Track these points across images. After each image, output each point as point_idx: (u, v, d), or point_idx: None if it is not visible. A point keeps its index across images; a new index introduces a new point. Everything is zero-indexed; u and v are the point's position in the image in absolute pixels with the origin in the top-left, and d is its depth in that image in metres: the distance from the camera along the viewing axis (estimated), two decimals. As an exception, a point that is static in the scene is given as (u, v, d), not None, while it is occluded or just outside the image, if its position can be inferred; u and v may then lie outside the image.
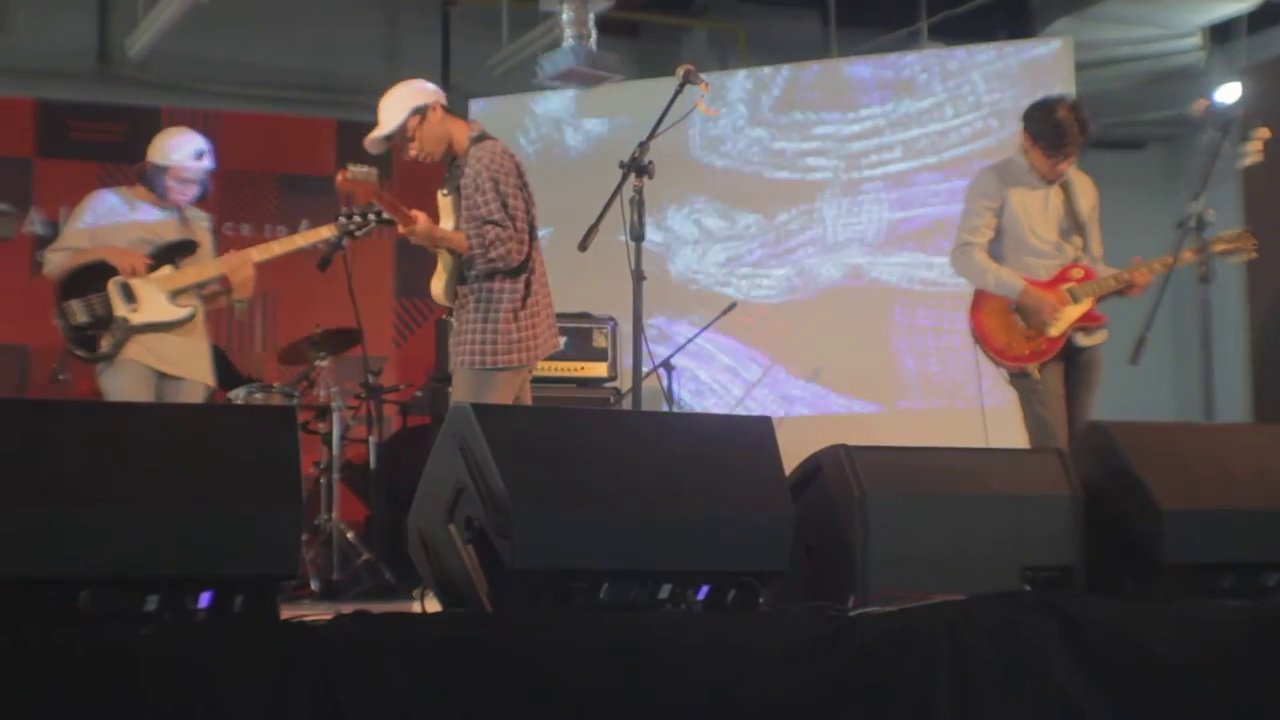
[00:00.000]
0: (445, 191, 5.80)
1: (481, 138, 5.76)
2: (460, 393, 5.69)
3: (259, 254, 6.34)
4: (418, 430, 8.79)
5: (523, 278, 5.70)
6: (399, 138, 5.76)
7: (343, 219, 6.46)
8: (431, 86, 5.86)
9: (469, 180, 5.65)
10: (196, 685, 3.09)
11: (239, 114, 10.00)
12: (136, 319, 6.08)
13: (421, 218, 5.68)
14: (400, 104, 5.76)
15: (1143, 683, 3.81)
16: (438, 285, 5.83)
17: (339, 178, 5.63)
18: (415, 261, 10.32)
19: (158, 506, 3.33)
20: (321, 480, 7.57)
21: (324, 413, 7.69)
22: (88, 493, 3.28)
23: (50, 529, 3.22)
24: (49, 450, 3.30)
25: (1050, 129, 6.00)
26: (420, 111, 5.74)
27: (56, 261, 6.22)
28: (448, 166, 5.82)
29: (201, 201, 6.45)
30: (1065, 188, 6.14)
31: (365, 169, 5.62)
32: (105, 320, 6.07)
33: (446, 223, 5.73)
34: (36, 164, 9.52)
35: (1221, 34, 10.32)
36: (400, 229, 5.73)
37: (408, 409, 8.99)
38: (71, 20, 9.70)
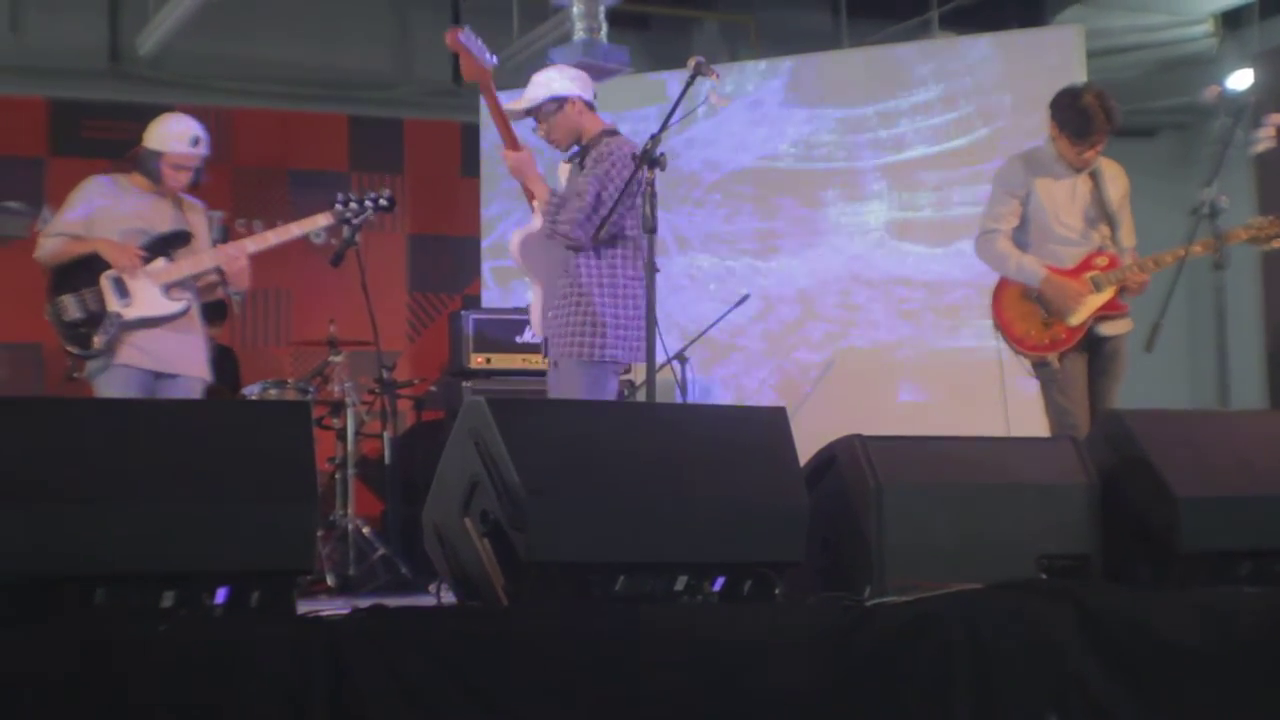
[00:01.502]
0: (567, 161, 5.88)
1: (613, 133, 5.79)
2: (567, 387, 5.59)
3: (254, 245, 6.28)
4: (432, 425, 8.80)
5: (613, 261, 5.67)
6: (535, 115, 5.82)
7: (339, 206, 6.40)
8: (583, 80, 5.88)
9: (590, 160, 5.68)
10: (213, 681, 3.10)
11: (250, 110, 10.02)
12: (130, 314, 6.03)
13: (527, 155, 5.76)
14: (545, 86, 5.82)
15: (1159, 670, 3.81)
16: (516, 239, 5.87)
17: (449, 35, 5.69)
18: (428, 257, 10.35)
19: (173, 503, 3.34)
20: (336, 476, 7.59)
21: (338, 408, 7.70)
22: (103, 489, 3.29)
23: (66, 526, 3.23)
24: (64, 448, 3.31)
25: (1076, 116, 5.92)
26: (559, 101, 5.79)
27: (50, 247, 6.17)
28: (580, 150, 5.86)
29: (195, 188, 6.40)
30: (1094, 176, 6.07)
31: (485, 49, 5.71)
32: (98, 316, 6.03)
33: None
34: (49, 163, 9.55)
35: (1233, 20, 10.29)
36: (503, 150, 5.78)
37: (422, 404, 9.00)
38: (83, 19, 9.72)
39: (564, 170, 5.86)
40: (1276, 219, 5.95)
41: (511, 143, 5.75)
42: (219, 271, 6.22)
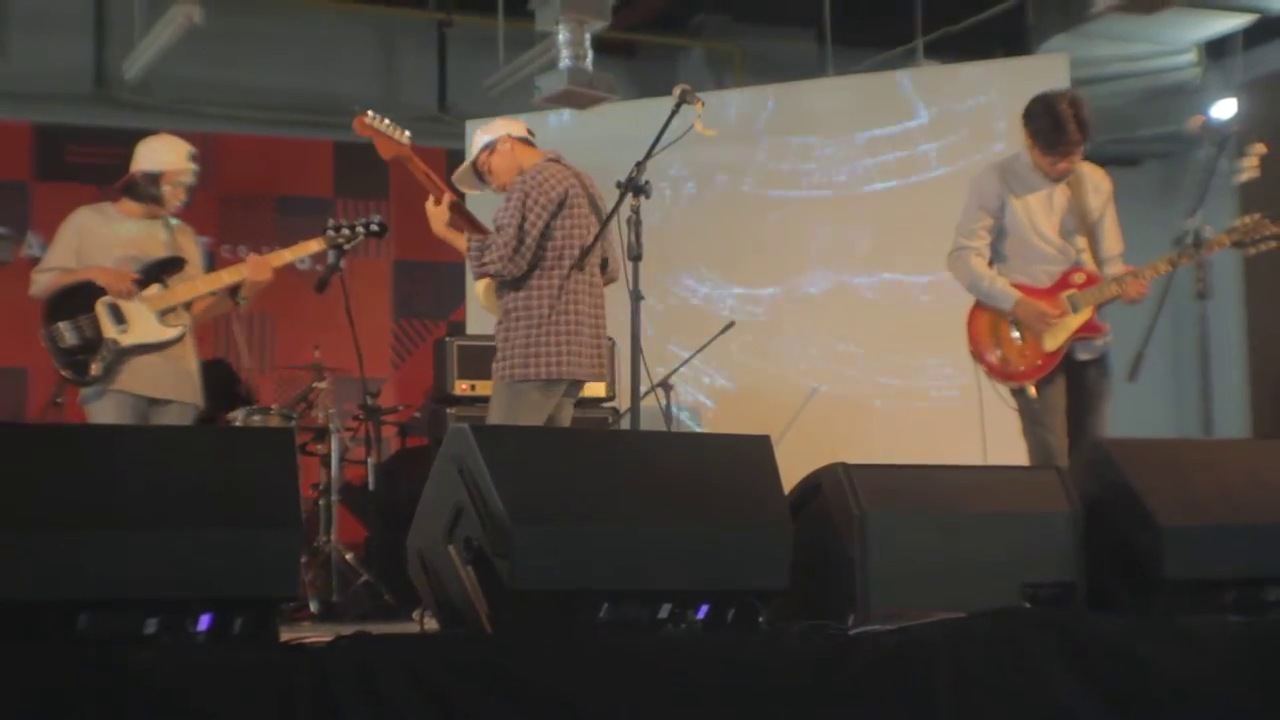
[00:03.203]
0: None
1: (555, 160, 5.83)
2: (494, 406, 5.76)
3: (277, 260, 6.31)
4: (416, 451, 8.79)
5: (539, 291, 5.70)
6: (481, 172, 5.98)
7: (330, 231, 6.41)
8: (508, 121, 6.02)
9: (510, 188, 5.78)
10: (196, 709, 3.08)
11: (236, 136, 10.02)
12: (126, 340, 6.01)
13: (444, 208, 5.84)
14: (475, 143, 6.03)
15: (1144, 699, 3.81)
16: (479, 287, 5.97)
17: (356, 122, 5.86)
18: (413, 282, 10.35)
19: (157, 529, 3.33)
20: (320, 502, 7.57)
21: (322, 434, 7.68)
22: (86, 515, 3.28)
23: (49, 552, 3.22)
24: (47, 473, 3.30)
25: (1047, 126, 5.70)
26: (489, 147, 5.95)
27: (43, 282, 6.14)
28: None
29: (183, 211, 6.39)
30: (1073, 184, 5.87)
31: (395, 127, 5.85)
32: (94, 343, 5.99)
33: None
34: (34, 187, 9.54)
35: (1217, 50, 10.33)
36: (429, 204, 5.87)
37: (406, 430, 8.98)
38: (68, 44, 9.72)
39: None
40: (1262, 217, 5.74)
41: (437, 193, 5.87)
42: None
